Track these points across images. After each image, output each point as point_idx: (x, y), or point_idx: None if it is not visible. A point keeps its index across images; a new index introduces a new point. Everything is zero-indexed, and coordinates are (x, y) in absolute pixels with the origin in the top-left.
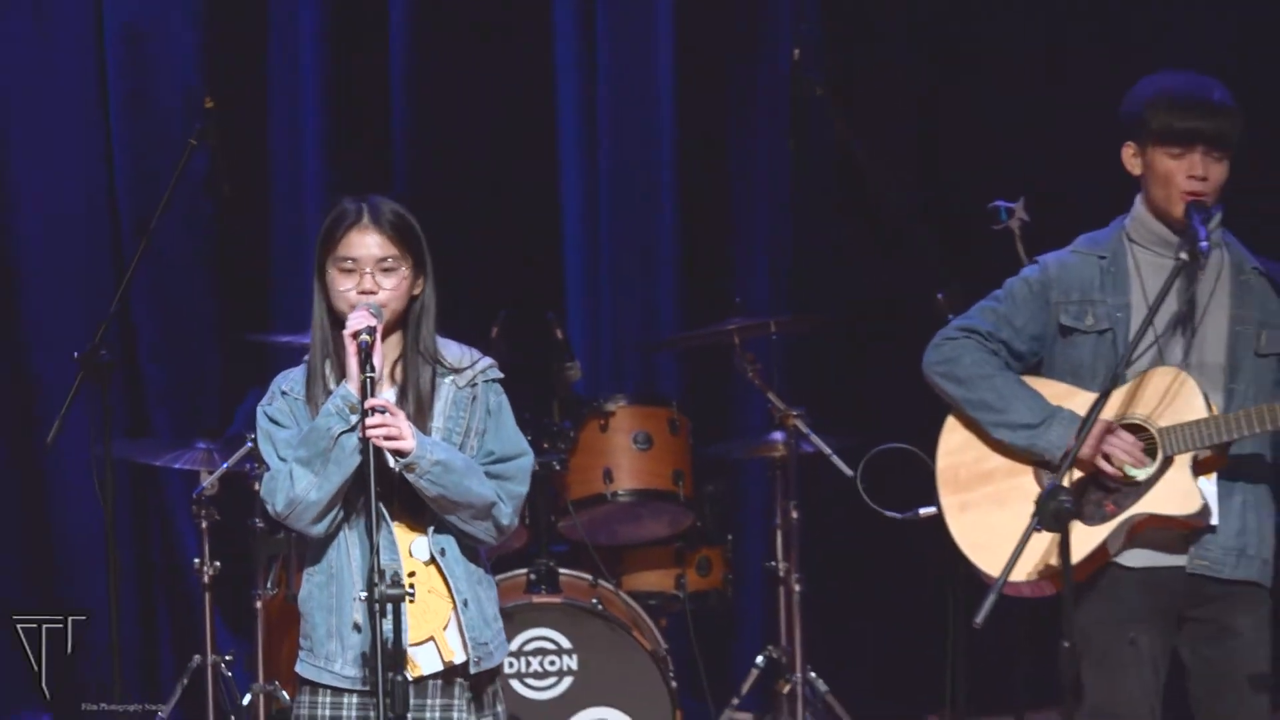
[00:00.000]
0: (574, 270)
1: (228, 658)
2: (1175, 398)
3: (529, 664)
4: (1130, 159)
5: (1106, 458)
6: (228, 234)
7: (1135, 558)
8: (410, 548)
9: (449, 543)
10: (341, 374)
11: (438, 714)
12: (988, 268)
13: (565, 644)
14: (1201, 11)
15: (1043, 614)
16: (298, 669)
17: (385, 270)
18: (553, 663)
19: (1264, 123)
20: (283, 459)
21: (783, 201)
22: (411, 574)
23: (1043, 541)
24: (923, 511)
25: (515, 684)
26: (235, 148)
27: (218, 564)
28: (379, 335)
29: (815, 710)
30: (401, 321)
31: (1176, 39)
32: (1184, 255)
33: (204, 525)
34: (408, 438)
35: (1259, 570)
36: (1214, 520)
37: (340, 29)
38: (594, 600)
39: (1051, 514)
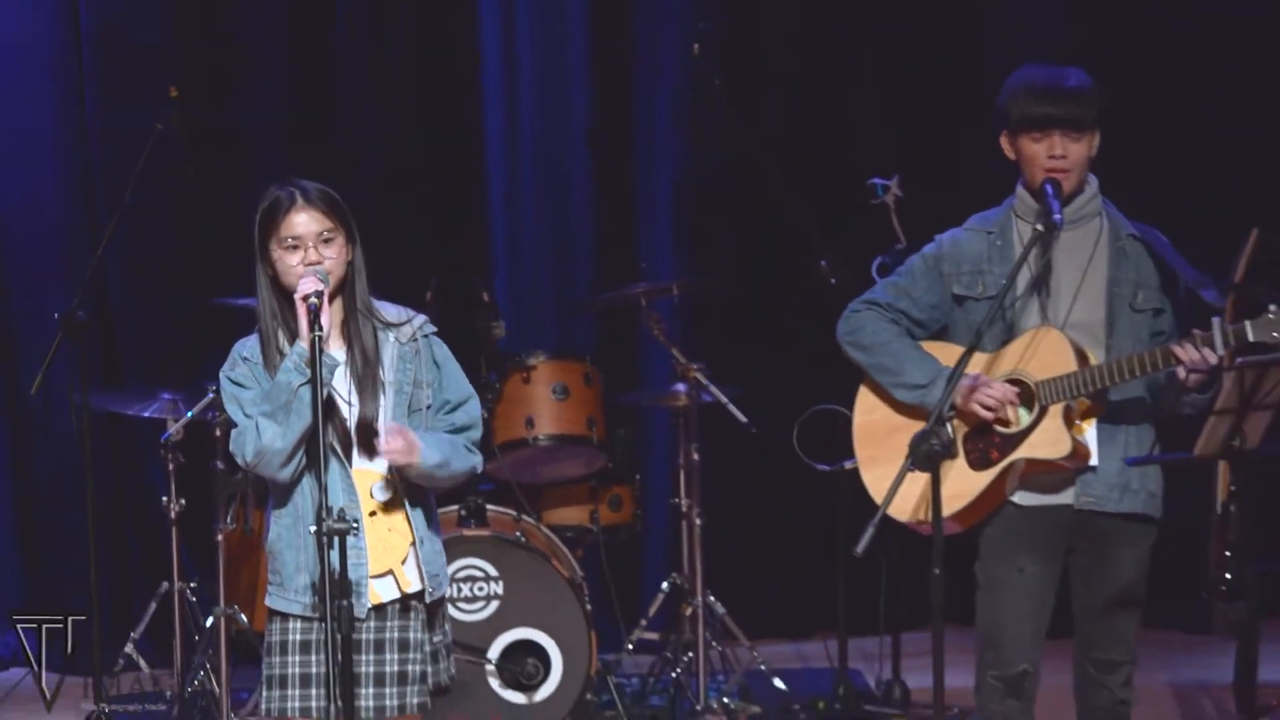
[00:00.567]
0: (499, 241)
1: (193, 584)
2: (1049, 353)
3: (460, 590)
4: (1006, 146)
5: (980, 406)
6: (193, 208)
7: (1026, 498)
8: (371, 489)
9: (406, 486)
10: (293, 338)
11: (396, 634)
12: (864, 238)
13: (492, 572)
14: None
15: (921, 544)
16: (268, 602)
17: (325, 241)
18: (481, 588)
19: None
20: (248, 416)
21: (683, 180)
22: (372, 513)
23: (917, 484)
24: (846, 464)
25: (449, 608)
26: (197, 132)
27: (183, 501)
28: (325, 298)
29: (714, 630)
30: (341, 287)
31: (1042, 24)
32: (1039, 227)
33: (170, 467)
34: (416, 455)
35: (1144, 503)
36: (1094, 461)
37: (298, 27)
38: (518, 533)
39: (923, 455)
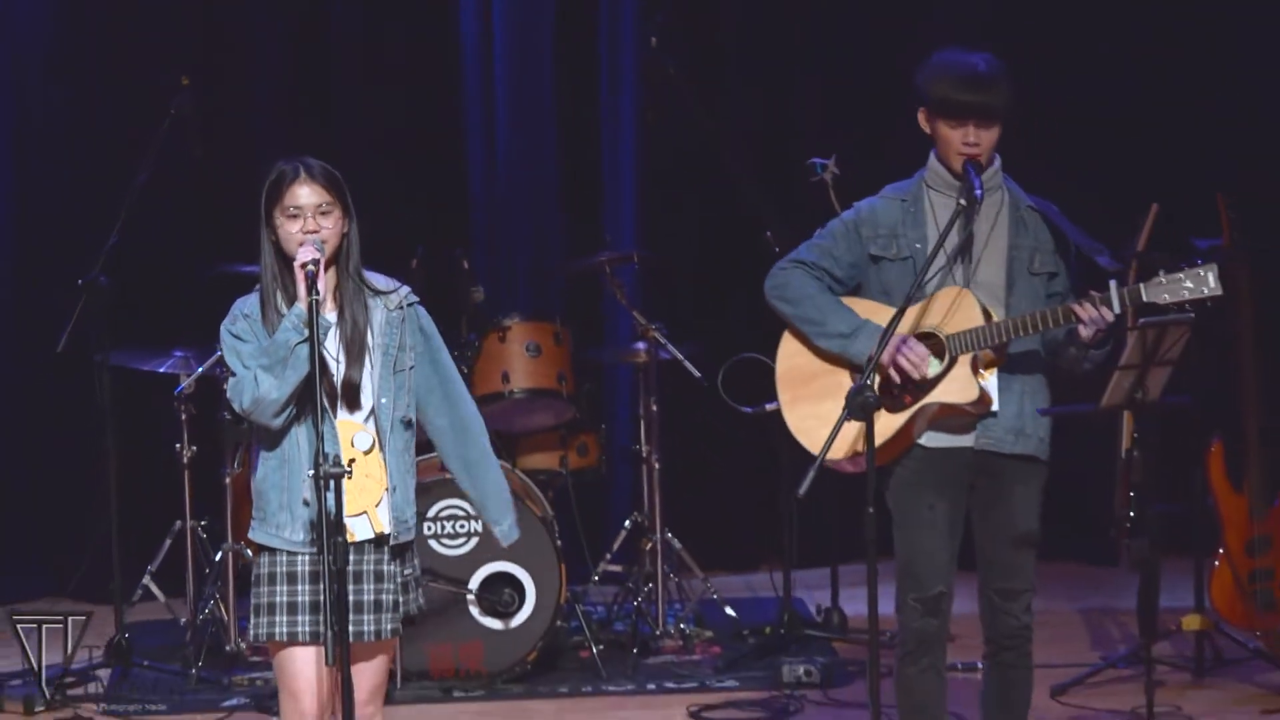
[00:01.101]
0: (478, 214)
1: (203, 523)
2: (959, 310)
3: (444, 527)
4: (923, 121)
5: (898, 367)
6: (200, 185)
7: (933, 439)
8: (352, 439)
9: (385, 435)
10: (290, 300)
11: (371, 566)
12: (806, 212)
13: (472, 511)
14: None
15: (856, 486)
16: (251, 536)
17: (323, 214)
18: (462, 526)
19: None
20: (246, 367)
21: (643, 158)
22: (352, 460)
23: (856, 430)
24: (768, 406)
25: (433, 543)
26: (207, 115)
27: (194, 448)
28: (322, 266)
29: (671, 562)
30: (336, 257)
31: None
32: (963, 201)
33: (183, 417)
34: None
35: (1035, 446)
36: (995, 407)
37: (299, 24)
38: None
39: (859, 406)
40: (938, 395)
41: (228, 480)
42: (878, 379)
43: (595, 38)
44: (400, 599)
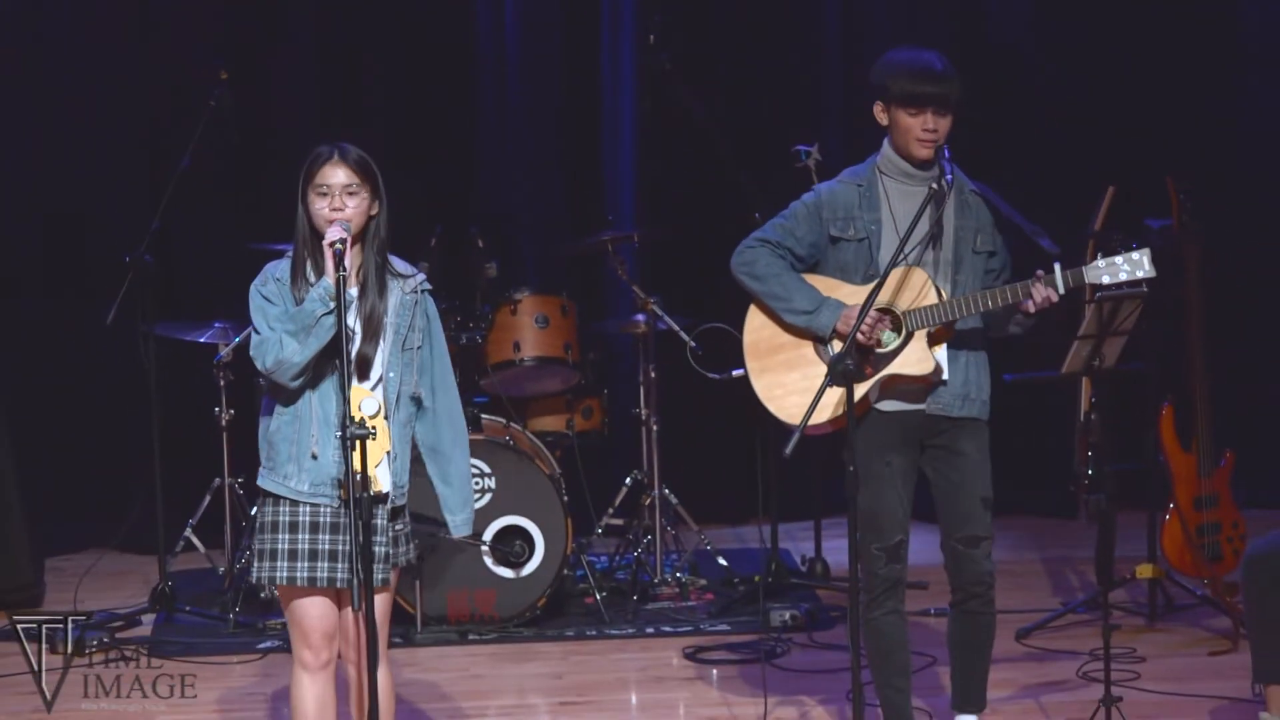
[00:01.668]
0: (490, 196)
1: (240, 480)
2: (915, 289)
3: None
4: (879, 114)
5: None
6: (236, 169)
7: (889, 405)
8: (360, 404)
9: (391, 405)
10: (319, 272)
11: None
12: (791, 195)
13: (486, 469)
14: None
15: (825, 446)
16: (259, 482)
17: (350, 194)
18: (478, 483)
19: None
20: (271, 329)
21: (642, 146)
22: (373, 421)
23: (829, 395)
24: (735, 373)
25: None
26: (244, 105)
27: (232, 411)
28: (348, 245)
29: (668, 516)
30: (362, 237)
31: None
32: (934, 185)
33: (221, 383)
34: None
35: (979, 409)
36: (945, 377)
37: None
38: (507, 438)
39: (841, 374)
40: (896, 366)
41: None
42: (838, 348)
43: (598, 38)
44: (391, 551)
